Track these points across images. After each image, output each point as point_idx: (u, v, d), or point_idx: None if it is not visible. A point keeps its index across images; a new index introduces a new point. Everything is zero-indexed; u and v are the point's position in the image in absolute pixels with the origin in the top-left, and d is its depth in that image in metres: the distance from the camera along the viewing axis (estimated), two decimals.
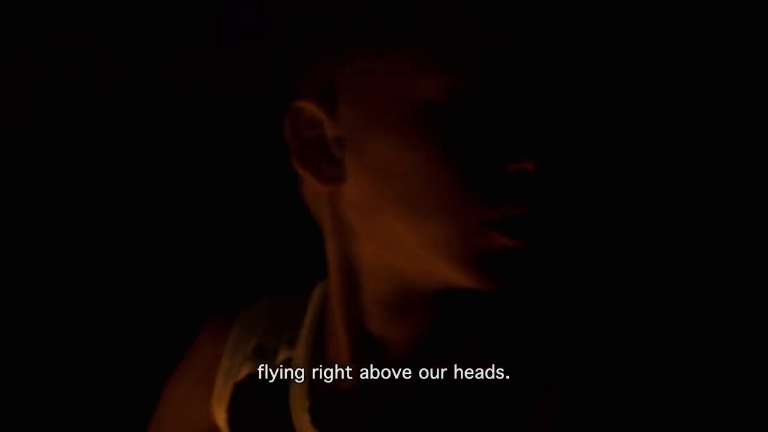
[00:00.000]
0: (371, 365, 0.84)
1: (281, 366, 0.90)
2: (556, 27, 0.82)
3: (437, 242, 0.77)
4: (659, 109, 1.07)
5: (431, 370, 0.81)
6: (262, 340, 0.93)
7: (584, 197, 1.04)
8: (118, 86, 1.17)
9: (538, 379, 0.78)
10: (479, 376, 0.80)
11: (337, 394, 0.85)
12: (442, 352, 0.82)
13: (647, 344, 0.78)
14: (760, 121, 1.05)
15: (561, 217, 0.84)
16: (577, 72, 0.93)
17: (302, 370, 0.87)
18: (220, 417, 0.94)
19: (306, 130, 0.81)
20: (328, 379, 0.86)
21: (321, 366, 0.87)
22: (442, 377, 0.81)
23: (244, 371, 0.92)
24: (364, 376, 0.84)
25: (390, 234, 0.79)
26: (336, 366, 0.86)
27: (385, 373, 0.83)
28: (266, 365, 0.91)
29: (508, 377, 0.79)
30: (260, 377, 0.91)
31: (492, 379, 0.79)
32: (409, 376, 0.82)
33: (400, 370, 0.83)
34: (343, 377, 0.85)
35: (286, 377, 0.89)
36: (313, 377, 0.87)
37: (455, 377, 0.81)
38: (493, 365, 0.80)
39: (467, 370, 0.80)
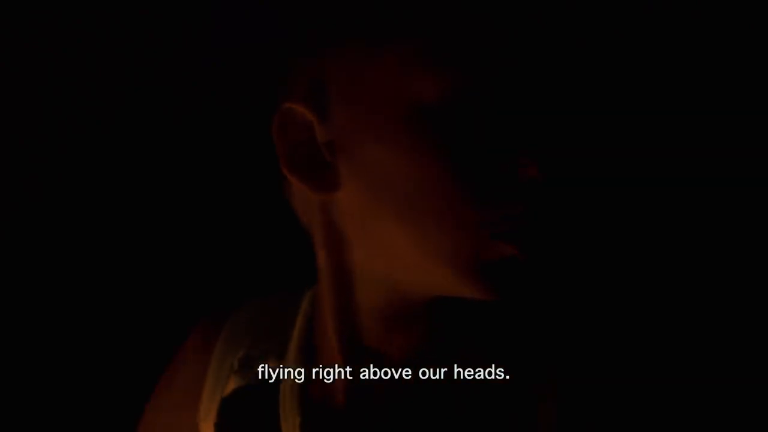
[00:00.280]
0: (366, 376, 0.81)
1: (269, 379, 0.87)
2: (553, 24, 0.82)
3: (436, 250, 0.75)
4: (659, 110, 1.07)
5: (428, 379, 0.80)
6: (248, 352, 0.90)
7: (581, 200, 1.04)
8: (118, 86, 1.17)
9: (537, 382, 0.78)
10: (478, 383, 0.79)
11: (330, 408, 0.83)
12: (439, 360, 0.80)
13: (646, 346, 0.78)
14: (761, 122, 1.05)
15: (559, 220, 0.83)
16: (574, 70, 0.93)
17: (293, 384, 0.85)
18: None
19: (295, 134, 0.78)
20: (321, 391, 0.83)
21: (312, 379, 0.85)
22: (439, 387, 0.79)
23: (231, 385, 0.89)
24: (358, 387, 0.81)
25: (386, 242, 0.76)
26: (328, 378, 0.83)
27: (381, 384, 0.81)
28: (253, 378, 0.88)
29: (507, 381, 0.78)
30: (248, 391, 0.88)
31: (491, 385, 0.78)
32: (406, 387, 0.81)
33: (396, 380, 0.81)
34: (336, 389, 0.83)
35: (274, 391, 0.86)
36: (303, 390, 0.84)
37: (453, 386, 0.79)
38: (493, 370, 0.79)
39: (466, 376, 0.79)
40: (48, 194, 1.19)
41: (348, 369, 0.82)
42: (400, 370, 0.80)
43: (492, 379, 0.78)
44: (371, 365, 0.81)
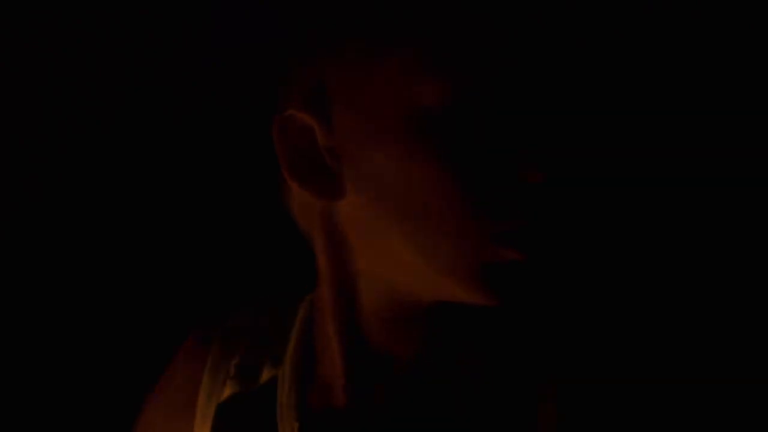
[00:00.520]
0: (368, 380, 0.81)
1: (266, 385, 0.86)
2: (556, 27, 0.81)
3: (440, 257, 0.74)
4: (659, 110, 1.07)
5: (430, 382, 0.79)
6: (244, 358, 0.89)
7: (581, 200, 1.04)
8: (118, 86, 1.17)
9: (537, 383, 0.77)
10: (479, 386, 0.78)
11: (330, 412, 0.82)
12: (440, 363, 0.80)
13: (646, 347, 0.78)
14: (761, 122, 1.05)
15: (561, 222, 0.83)
16: (574, 71, 0.93)
17: (290, 390, 0.84)
18: None
19: (296, 140, 0.77)
20: (320, 398, 0.83)
21: (310, 384, 0.84)
22: (441, 390, 0.79)
23: (228, 391, 0.88)
24: (359, 391, 0.81)
25: (388, 247, 0.76)
26: (329, 383, 0.82)
27: (382, 387, 0.80)
28: (250, 385, 0.87)
29: (508, 383, 0.78)
30: (244, 397, 0.86)
31: (492, 387, 0.78)
32: (408, 390, 0.80)
33: (398, 383, 0.80)
34: (336, 395, 0.82)
35: (271, 397, 0.85)
36: (302, 396, 0.84)
37: (454, 389, 0.79)
38: (493, 372, 0.78)
39: (467, 379, 0.79)
40: (48, 194, 1.19)
41: (350, 373, 0.81)
42: (401, 373, 0.80)
43: (492, 381, 0.78)
44: (373, 369, 0.81)
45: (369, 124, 0.74)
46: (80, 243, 1.20)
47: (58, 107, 1.17)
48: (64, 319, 1.21)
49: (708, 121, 1.06)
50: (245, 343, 0.90)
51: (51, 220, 1.19)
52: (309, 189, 0.77)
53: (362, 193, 0.76)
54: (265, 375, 0.87)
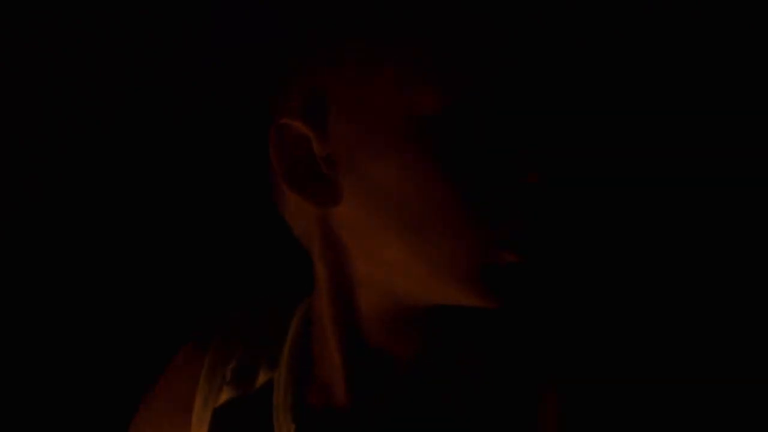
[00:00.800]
0: (369, 382, 0.81)
1: (262, 388, 0.86)
2: (556, 26, 0.81)
3: (440, 262, 0.74)
4: (659, 110, 1.07)
5: (430, 382, 0.79)
6: (240, 362, 0.88)
7: (581, 200, 1.04)
8: (118, 86, 1.17)
9: (537, 384, 0.77)
10: (479, 387, 0.78)
11: (331, 414, 0.82)
12: (442, 364, 0.80)
13: (647, 347, 0.78)
14: (761, 122, 1.05)
15: (560, 223, 0.83)
16: (574, 70, 0.93)
17: (286, 393, 0.84)
18: None
19: (293, 149, 0.76)
20: (320, 398, 0.83)
21: (308, 386, 0.84)
22: (441, 391, 0.79)
23: (224, 396, 0.88)
24: (359, 392, 0.81)
25: (388, 253, 0.76)
26: (329, 384, 0.82)
27: (382, 388, 0.80)
28: (246, 389, 0.87)
29: (507, 384, 0.78)
30: (241, 401, 0.86)
31: (492, 388, 0.78)
32: (408, 390, 0.80)
33: (398, 384, 0.80)
34: (337, 396, 0.82)
35: (268, 400, 0.85)
36: (298, 399, 0.84)
37: (454, 390, 0.79)
38: (494, 375, 0.78)
39: (467, 380, 0.79)
40: (48, 194, 1.19)
41: (350, 374, 0.81)
42: (402, 373, 0.80)
43: (492, 382, 0.78)
44: (373, 370, 0.81)
45: (366, 131, 0.74)
46: (80, 243, 1.20)
47: (58, 107, 1.17)
48: (63, 319, 1.21)
49: (708, 121, 1.06)
50: (241, 347, 0.90)
51: (51, 220, 1.19)
52: (306, 197, 0.77)
53: (359, 198, 0.75)
54: (261, 378, 0.87)
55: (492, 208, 0.73)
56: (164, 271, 1.21)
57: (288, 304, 0.90)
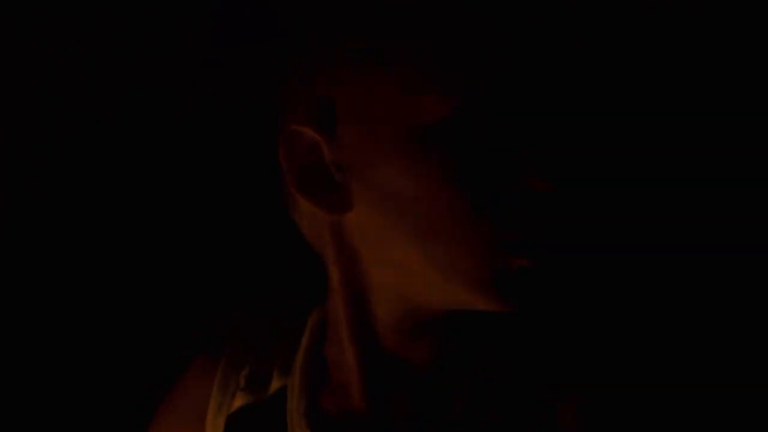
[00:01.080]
0: (385, 386, 0.81)
1: (275, 394, 0.86)
2: (556, 26, 0.81)
3: (453, 267, 0.74)
4: (659, 110, 1.07)
5: (448, 387, 0.79)
6: (254, 368, 0.89)
7: (582, 200, 1.04)
8: (118, 86, 1.17)
9: (556, 388, 0.77)
10: (496, 391, 0.78)
11: (347, 418, 0.82)
12: (457, 369, 0.80)
13: (663, 351, 0.78)
14: (761, 122, 1.05)
15: (572, 229, 0.83)
16: (575, 70, 0.93)
17: (300, 398, 0.84)
18: None
19: (303, 155, 0.76)
20: (337, 403, 0.83)
21: (323, 391, 0.84)
22: (458, 395, 0.79)
23: (238, 402, 0.88)
24: (377, 397, 0.81)
25: (400, 259, 0.76)
26: (345, 389, 0.82)
27: (400, 392, 0.80)
28: (260, 395, 0.87)
29: (525, 388, 0.78)
30: (255, 407, 0.87)
31: (510, 392, 0.78)
32: (425, 394, 0.80)
33: (415, 388, 0.80)
34: (353, 400, 0.82)
35: (281, 406, 0.85)
36: (312, 403, 0.84)
37: (472, 394, 0.79)
38: (509, 380, 0.78)
39: (484, 384, 0.79)
40: (48, 194, 1.19)
41: (366, 378, 0.81)
42: (417, 378, 0.80)
43: (508, 386, 0.78)
44: (389, 374, 0.81)
45: (375, 139, 0.74)
46: (81, 244, 1.20)
47: (58, 107, 1.17)
48: (63, 319, 1.21)
49: (708, 121, 1.06)
50: (254, 354, 0.90)
51: (51, 220, 1.19)
52: (317, 203, 0.77)
53: (370, 204, 0.76)
54: (275, 384, 0.87)
55: (501, 211, 0.73)
56: (166, 271, 1.21)
57: (299, 307, 0.90)
